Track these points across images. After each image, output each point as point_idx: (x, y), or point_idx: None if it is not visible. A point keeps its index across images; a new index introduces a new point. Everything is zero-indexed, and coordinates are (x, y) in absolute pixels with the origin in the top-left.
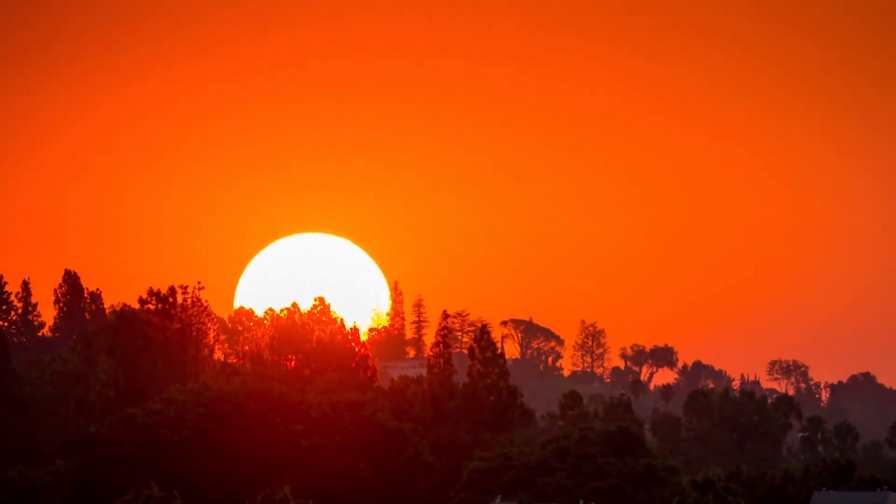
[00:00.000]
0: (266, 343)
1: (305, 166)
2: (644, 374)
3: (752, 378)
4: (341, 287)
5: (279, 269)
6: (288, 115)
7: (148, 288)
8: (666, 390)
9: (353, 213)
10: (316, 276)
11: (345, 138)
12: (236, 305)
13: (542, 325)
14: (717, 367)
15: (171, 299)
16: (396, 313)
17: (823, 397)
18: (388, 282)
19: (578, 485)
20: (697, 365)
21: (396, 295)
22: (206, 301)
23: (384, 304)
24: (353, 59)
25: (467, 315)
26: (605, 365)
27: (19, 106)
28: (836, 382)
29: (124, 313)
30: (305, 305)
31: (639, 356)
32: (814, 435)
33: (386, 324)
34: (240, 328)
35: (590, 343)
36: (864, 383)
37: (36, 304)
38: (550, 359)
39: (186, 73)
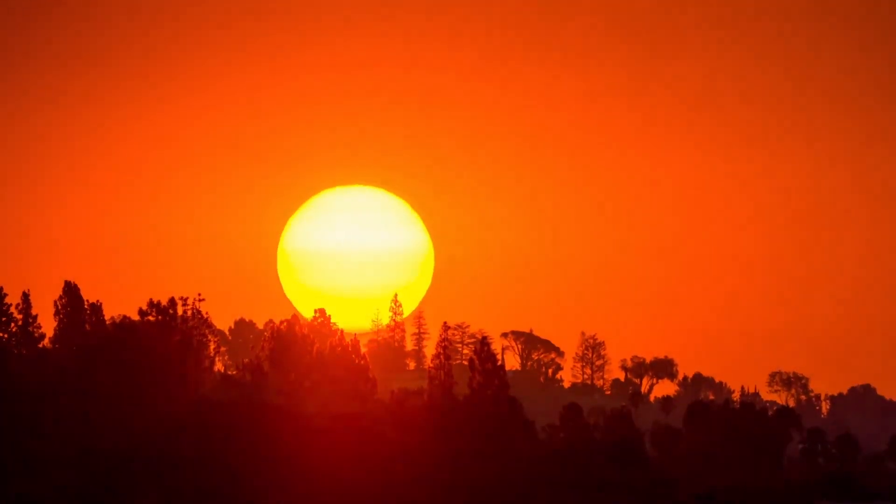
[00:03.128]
0: (266, 355)
1: (305, 170)
2: (644, 385)
3: (752, 390)
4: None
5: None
6: (283, 113)
7: (148, 299)
8: (666, 402)
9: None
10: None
11: (341, 146)
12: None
13: (542, 336)
14: (717, 379)
15: (171, 311)
16: (396, 325)
17: (824, 409)
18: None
19: (579, 496)
20: (698, 377)
21: (396, 307)
22: (207, 313)
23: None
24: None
25: (467, 327)
26: (605, 377)
27: (18, 115)
28: (836, 394)
29: (124, 325)
30: (308, 313)
31: (639, 368)
32: (814, 447)
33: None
34: (240, 341)
35: (590, 355)
36: (864, 395)
37: (36, 316)
38: (551, 370)
39: (186, 74)
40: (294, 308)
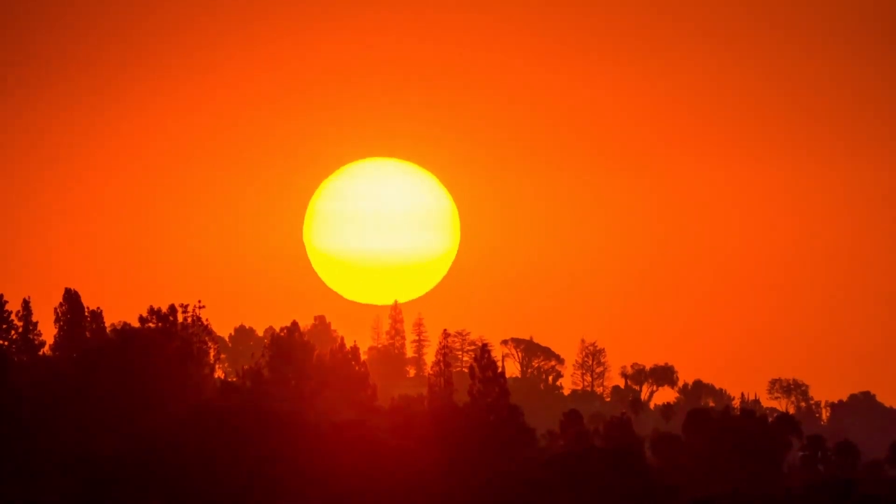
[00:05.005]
0: (266, 361)
1: (303, 175)
2: (644, 392)
3: (752, 397)
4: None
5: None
6: (285, 111)
7: (148, 306)
8: (666, 409)
9: None
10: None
11: (335, 153)
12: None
13: (542, 343)
14: (717, 386)
15: (171, 318)
16: (397, 332)
17: (824, 416)
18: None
19: (579, 503)
20: (698, 384)
21: (396, 314)
22: (207, 319)
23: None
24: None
25: (467, 334)
26: (605, 384)
27: (17, 120)
28: (836, 401)
29: (125, 332)
30: (305, 323)
31: (639, 375)
32: (814, 454)
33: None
34: (240, 347)
35: (590, 362)
36: (863, 402)
37: (36, 323)
38: (551, 378)
39: (183, 75)
40: (332, 290)
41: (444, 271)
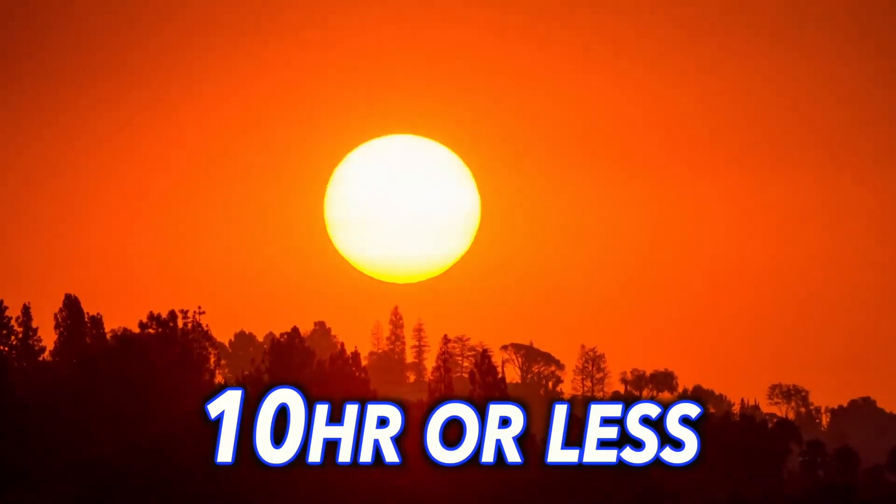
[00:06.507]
0: (266, 367)
1: (305, 180)
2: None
3: (752, 402)
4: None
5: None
6: (282, 119)
7: (148, 312)
8: None
9: None
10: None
11: (334, 154)
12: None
13: (542, 349)
14: (717, 392)
15: (171, 324)
16: (397, 337)
17: (823, 421)
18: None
19: None
20: (698, 389)
21: (396, 319)
22: (207, 325)
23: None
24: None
25: (468, 339)
26: (605, 389)
27: (18, 127)
28: (836, 407)
29: (125, 338)
30: (305, 328)
31: (639, 381)
32: (814, 459)
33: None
34: (240, 353)
35: (590, 367)
36: (864, 408)
37: (36, 329)
38: (551, 383)
39: (185, 85)
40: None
41: (445, 274)
